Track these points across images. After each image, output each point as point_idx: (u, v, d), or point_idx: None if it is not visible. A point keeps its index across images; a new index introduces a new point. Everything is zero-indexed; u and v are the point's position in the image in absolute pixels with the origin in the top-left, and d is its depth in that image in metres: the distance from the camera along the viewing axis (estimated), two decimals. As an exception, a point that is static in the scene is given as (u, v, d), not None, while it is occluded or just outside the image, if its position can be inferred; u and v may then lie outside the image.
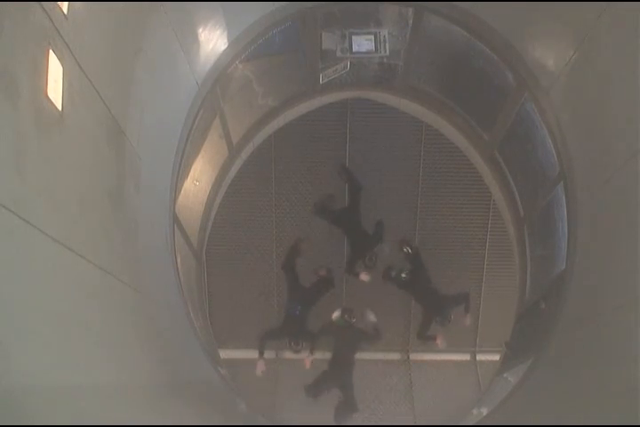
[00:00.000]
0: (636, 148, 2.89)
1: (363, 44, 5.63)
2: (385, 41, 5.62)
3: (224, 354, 7.10)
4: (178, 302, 4.32)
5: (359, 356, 8.48)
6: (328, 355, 6.87)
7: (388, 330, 7.71)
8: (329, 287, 6.64)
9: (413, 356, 8.80)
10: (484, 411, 6.08)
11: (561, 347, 3.95)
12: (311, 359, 6.50)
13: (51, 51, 2.10)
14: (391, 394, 8.64)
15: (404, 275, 6.67)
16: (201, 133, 5.04)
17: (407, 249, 6.80)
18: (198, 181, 5.59)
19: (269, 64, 5.64)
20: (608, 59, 3.26)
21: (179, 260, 4.55)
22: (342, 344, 6.53)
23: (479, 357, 8.73)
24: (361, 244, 6.90)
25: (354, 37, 5.61)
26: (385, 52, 5.66)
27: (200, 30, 3.95)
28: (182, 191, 4.88)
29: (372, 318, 6.55)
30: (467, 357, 8.80)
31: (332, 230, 7.40)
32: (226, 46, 4.44)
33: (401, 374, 8.73)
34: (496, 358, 6.90)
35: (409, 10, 5.27)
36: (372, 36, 5.61)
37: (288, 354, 8.59)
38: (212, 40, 4.22)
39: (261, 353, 6.28)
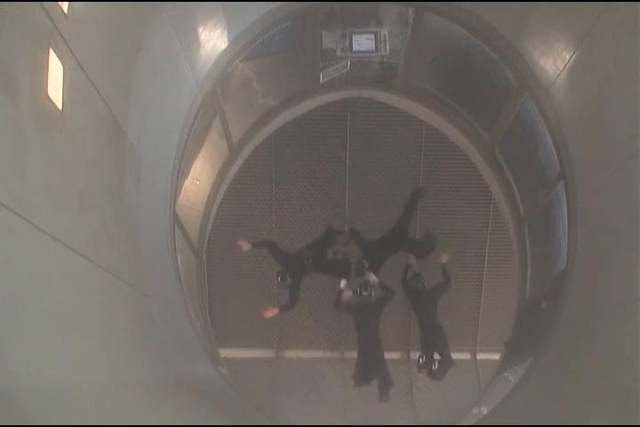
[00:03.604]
0: (636, 147, 2.89)
1: (363, 43, 5.64)
2: (385, 40, 5.62)
3: (224, 353, 7.11)
4: (178, 302, 4.32)
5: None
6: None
7: (389, 329, 7.70)
8: (343, 273, 6.40)
9: (413, 355, 8.79)
10: (484, 411, 6.08)
11: (561, 347, 3.95)
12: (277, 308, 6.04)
13: (51, 50, 2.10)
14: (391, 393, 8.63)
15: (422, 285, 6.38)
16: (201, 133, 5.05)
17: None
18: (198, 181, 5.60)
19: (269, 63, 5.65)
20: (608, 59, 3.25)
21: (179, 259, 4.55)
22: (362, 321, 6.29)
23: (479, 356, 8.74)
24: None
25: (354, 36, 5.62)
26: (385, 51, 5.67)
27: (200, 29, 3.95)
28: (182, 190, 4.89)
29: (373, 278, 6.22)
30: (467, 356, 8.80)
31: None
32: (226, 45, 4.44)
33: (401, 373, 8.72)
34: (496, 357, 6.91)
35: (409, 9, 5.27)
36: (373, 36, 5.62)
37: (288, 353, 8.63)
38: (213, 39, 4.22)
39: (255, 244, 6.05)
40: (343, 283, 6.15)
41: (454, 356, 8.63)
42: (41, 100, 2.04)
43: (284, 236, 8.19)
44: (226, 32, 4.32)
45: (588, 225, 3.85)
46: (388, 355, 8.58)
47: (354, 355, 8.56)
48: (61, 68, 2.17)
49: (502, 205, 6.27)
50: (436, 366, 6.17)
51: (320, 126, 7.52)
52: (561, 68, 3.86)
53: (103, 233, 2.68)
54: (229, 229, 7.96)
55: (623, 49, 3.01)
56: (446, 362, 6.18)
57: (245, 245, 5.96)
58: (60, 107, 2.16)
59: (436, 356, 6.17)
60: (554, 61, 3.94)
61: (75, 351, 2.18)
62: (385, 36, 5.62)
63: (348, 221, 7.83)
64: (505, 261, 7.71)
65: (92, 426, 2.12)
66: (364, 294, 6.01)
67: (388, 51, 5.67)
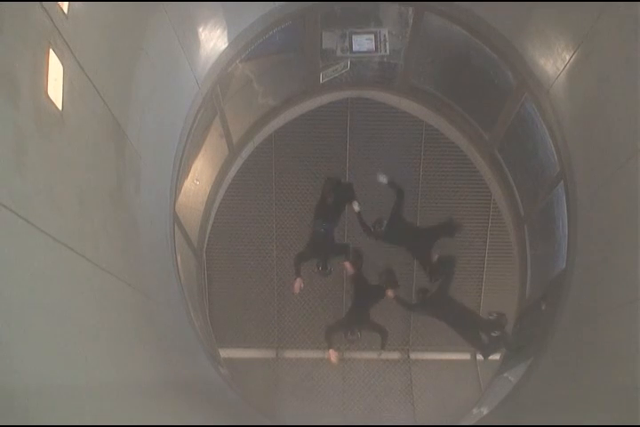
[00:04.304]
0: (635, 147, 2.89)
1: (363, 43, 5.63)
2: (385, 40, 5.62)
3: (224, 354, 7.11)
4: (178, 302, 4.33)
5: (359, 355, 8.53)
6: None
7: (389, 329, 7.70)
8: (350, 196, 6.46)
9: (413, 355, 8.80)
10: (484, 411, 6.08)
11: (561, 347, 3.95)
12: (350, 267, 6.41)
13: (51, 50, 2.10)
14: (391, 393, 8.64)
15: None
16: (201, 133, 5.04)
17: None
18: (198, 181, 5.60)
19: (269, 63, 5.64)
20: (608, 59, 3.26)
21: (179, 259, 4.55)
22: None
23: (479, 356, 8.72)
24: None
25: (354, 37, 5.62)
26: (385, 51, 5.67)
27: (200, 30, 3.95)
28: (182, 191, 4.88)
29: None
30: (467, 356, 8.80)
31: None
32: (226, 46, 4.44)
33: (401, 373, 8.73)
34: (496, 357, 6.91)
35: (409, 9, 5.27)
36: (373, 36, 5.62)
37: (288, 354, 8.62)
38: (213, 39, 4.22)
39: (298, 273, 6.26)
40: (356, 205, 6.31)
41: (454, 356, 8.70)
42: (41, 100, 2.04)
43: (284, 236, 8.19)
44: (226, 32, 4.32)
45: (587, 225, 3.85)
46: (387, 355, 8.64)
47: (354, 355, 8.61)
48: (61, 68, 2.17)
49: (502, 205, 6.27)
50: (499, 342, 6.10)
51: (320, 126, 7.53)
52: (561, 69, 3.86)
53: (103, 233, 2.68)
54: (229, 229, 7.97)
55: (623, 49, 3.01)
56: (505, 336, 6.12)
57: (298, 285, 6.23)
58: (59, 107, 2.16)
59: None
60: (554, 62, 3.94)
61: (75, 351, 2.18)
62: (385, 36, 5.62)
63: (348, 221, 7.82)
64: (505, 261, 7.71)
65: (92, 426, 2.12)
66: (379, 229, 6.20)
67: (387, 51, 5.67)
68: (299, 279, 6.20)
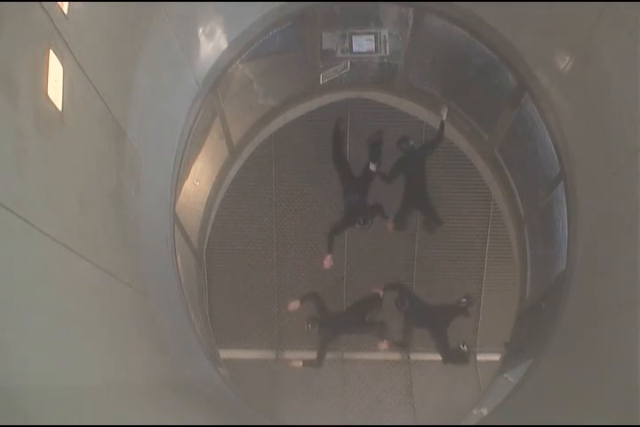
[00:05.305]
0: (636, 147, 2.89)
1: (363, 44, 5.63)
2: (385, 41, 5.62)
3: (224, 354, 7.11)
4: (178, 302, 4.33)
5: (359, 356, 8.53)
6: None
7: (389, 330, 7.70)
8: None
9: (413, 356, 8.79)
10: (484, 411, 6.08)
11: (561, 347, 3.95)
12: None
13: (51, 51, 2.10)
14: (391, 394, 8.64)
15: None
16: (201, 133, 5.04)
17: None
18: (198, 181, 5.60)
19: (269, 64, 5.64)
20: (608, 59, 3.26)
21: (179, 260, 4.55)
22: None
23: (479, 357, 8.73)
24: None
25: (354, 37, 5.62)
26: (385, 52, 5.67)
27: (200, 30, 3.95)
28: (182, 191, 4.88)
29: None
30: (467, 357, 8.80)
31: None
32: (226, 46, 4.44)
33: (401, 374, 8.73)
34: (496, 358, 6.91)
35: (409, 10, 5.27)
36: (373, 36, 5.62)
37: (288, 354, 8.62)
38: (213, 40, 4.22)
39: (330, 249, 6.14)
40: (372, 166, 6.23)
41: (454, 356, 8.65)
42: (41, 100, 2.04)
43: (284, 236, 8.19)
44: (226, 32, 4.32)
45: (588, 225, 3.85)
46: (387, 355, 8.63)
47: (354, 356, 8.61)
48: (61, 68, 2.17)
49: (502, 205, 6.27)
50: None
51: (320, 127, 7.52)
52: (561, 69, 3.86)
53: (103, 233, 2.68)
54: (229, 229, 7.97)
55: (623, 49, 3.01)
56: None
57: (328, 262, 6.11)
58: (59, 107, 2.17)
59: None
60: (554, 62, 3.94)
61: (75, 351, 2.18)
62: (385, 36, 5.62)
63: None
64: (505, 261, 7.70)
65: (92, 426, 2.12)
66: (404, 146, 6.23)
67: (387, 52, 5.67)
68: (329, 256, 6.09)
